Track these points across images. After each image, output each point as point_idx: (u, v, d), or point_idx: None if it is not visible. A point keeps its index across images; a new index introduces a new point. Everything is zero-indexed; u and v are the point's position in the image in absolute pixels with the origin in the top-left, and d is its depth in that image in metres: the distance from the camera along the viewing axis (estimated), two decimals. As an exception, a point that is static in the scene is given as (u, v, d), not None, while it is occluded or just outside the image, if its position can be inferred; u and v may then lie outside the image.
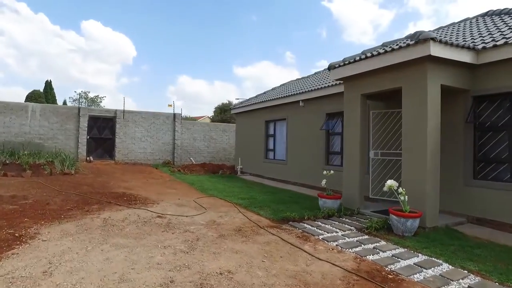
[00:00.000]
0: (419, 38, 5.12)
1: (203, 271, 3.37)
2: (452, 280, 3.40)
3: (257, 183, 11.20)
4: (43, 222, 4.97)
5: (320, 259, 3.91)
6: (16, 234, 4.30)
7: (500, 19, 7.19)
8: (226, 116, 30.72)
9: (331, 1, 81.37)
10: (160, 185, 9.95)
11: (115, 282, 3.04)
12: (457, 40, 6.39)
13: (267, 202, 7.46)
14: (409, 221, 4.91)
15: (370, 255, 4.10)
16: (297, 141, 10.89)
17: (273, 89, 15.53)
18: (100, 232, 4.58)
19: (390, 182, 5.10)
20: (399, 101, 6.69)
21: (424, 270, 3.67)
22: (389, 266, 3.76)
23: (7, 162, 10.97)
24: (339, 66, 6.89)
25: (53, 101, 29.37)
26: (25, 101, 23.71)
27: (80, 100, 29.85)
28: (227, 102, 33.31)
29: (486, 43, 5.63)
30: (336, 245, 4.50)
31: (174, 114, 17.28)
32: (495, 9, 8.15)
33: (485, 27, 7.07)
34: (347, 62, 6.65)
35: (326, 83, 10.03)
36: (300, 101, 10.61)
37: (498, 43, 5.31)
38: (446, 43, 5.18)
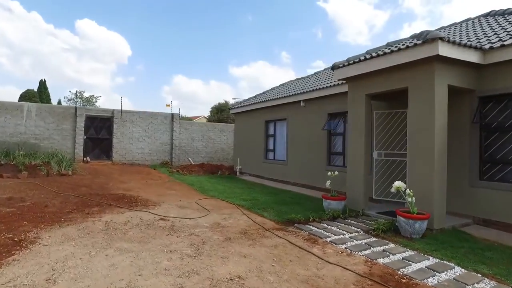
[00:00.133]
0: (427, 38, 5.05)
1: (213, 277, 3.26)
2: (467, 285, 3.33)
3: (257, 184, 11.10)
4: (42, 226, 4.82)
5: (330, 263, 3.83)
6: (16, 239, 4.16)
7: (504, 19, 7.16)
8: (223, 116, 30.57)
9: (326, 1, 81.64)
10: (160, 186, 9.81)
11: (122, 289, 2.92)
12: (462, 40, 6.35)
13: (270, 203, 7.37)
14: (418, 223, 4.85)
15: (380, 258, 4.03)
16: (298, 141, 10.80)
17: (272, 89, 15.43)
18: (103, 236, 4.44)
19: (398, 184, 5.03)
20: (402, 101, 6.66)
21: (437, 273, 3.60)
22: (401, 270, 3.68)
23: (2, 163, 10.75)
24: (343, 66, 6.81)
25: (48, 100, 28.98)
26: (18, 101, 23.34)
27: (75, 100, 29.43)
28: (224, 102, 33.21)
29: (492, 43, 5.58)
30: (345, 248, 4.42)
31: (172, 114, 17.11)
32: (497, 9, 8.13)
33: (489, 27, 7.04)
34: (352, 62, 6.57)
35: (327, 83, 9.96)
36: (301, 101, 10.52)
37: (505, 42, 5.26)
38: (454, 42, 5.12)
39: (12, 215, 5.31)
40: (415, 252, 4.30)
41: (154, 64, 72.34)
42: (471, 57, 5.43)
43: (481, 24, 7.68)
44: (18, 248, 3.86)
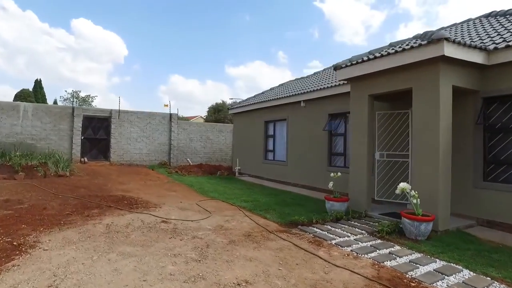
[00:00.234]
0: (432, 38, 5.01)
1: (220, 282, 3.18)
2: (478, 288, 3.29)
3: (257, 185, 11.03)
4: (42, 229, 4.71)
5: (337, 266, 3.77)
6: (15, 243, 4.05)
7: (506, 20, 7.15)
8: (220, 116, 30.45)
9: (323, 1, 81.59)
10: (159, 187, 9.70)
11: (127, 296, 2.84)
12: (465, 40, 6.32)
13: (271, 204, 7.30)
14: (423, 225, 4.81)
15: (387, 261, 3.98)
16: (298, 141, 10.75)
17: (272, 89, 15.35)
18: (104, 240, 4.34)
19: (403, 185, 4.98)
20: (405, 102, 6.63)
21: (446, 277, 3.56)
22: (409, 273, 3.64)
23: (-2, 163, 10.57)
24: (346, 66, 6.76)
25: (43, 100, 28.67)
26: (13, 101, 23.07)
27: (72, 100, 29.16)
28: (221, 102, 33.09)
29: (497, 43, 5.56)
30: (351, 250, 4.36)
31: (170, 114, 16.98)
32: (498, 10, 8.12)
33: (491, 27, 7.02)
34: (355, 62, 6.52)
35: (327, 83, 9.91)
36: (302, 101, 10.46)
37: (510, 43, 5.24)
38: (459, 43, 5.09)
39: (9, 218, 5.19)
40: (422, 254, 4.26)
41: (151, 63, 72.03)
42: (476, 57, 5.40)
43: (482, 25, 7.67)
44: (17, 252, 3.75)
